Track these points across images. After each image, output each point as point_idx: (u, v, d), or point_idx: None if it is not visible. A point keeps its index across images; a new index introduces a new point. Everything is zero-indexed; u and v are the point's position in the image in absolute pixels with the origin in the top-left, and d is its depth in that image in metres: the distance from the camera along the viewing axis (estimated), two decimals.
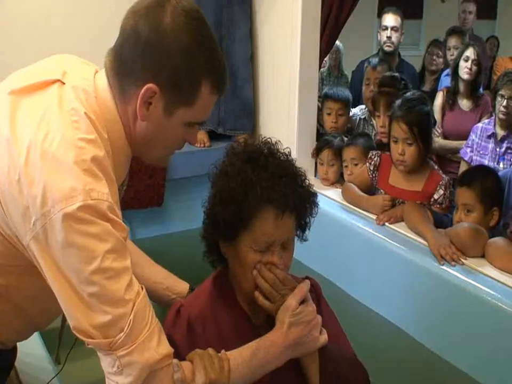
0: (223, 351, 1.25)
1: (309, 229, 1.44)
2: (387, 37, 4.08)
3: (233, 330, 1.35)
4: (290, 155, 1.40)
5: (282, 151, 1.40)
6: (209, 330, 1.34)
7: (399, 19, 4.13)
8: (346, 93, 3.36)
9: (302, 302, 1.34)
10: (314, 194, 1.39)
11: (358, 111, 3.46)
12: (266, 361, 1.27)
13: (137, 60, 1.15)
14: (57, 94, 1.18)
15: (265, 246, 1.31)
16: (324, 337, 1.34)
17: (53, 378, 1.57)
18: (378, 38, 4.23)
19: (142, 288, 1.17)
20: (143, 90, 1.15)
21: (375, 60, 3.55)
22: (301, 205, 1.34)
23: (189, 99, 1.19)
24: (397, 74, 3.07)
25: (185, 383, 1.17)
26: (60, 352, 1.57)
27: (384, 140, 2.77)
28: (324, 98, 3.37)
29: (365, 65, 3.65)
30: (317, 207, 1.40)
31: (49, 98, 1.17)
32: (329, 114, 3.29)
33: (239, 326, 1.36)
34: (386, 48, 4.09)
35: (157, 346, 1.15)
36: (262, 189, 1.28)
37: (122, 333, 1.10)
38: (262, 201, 1.28)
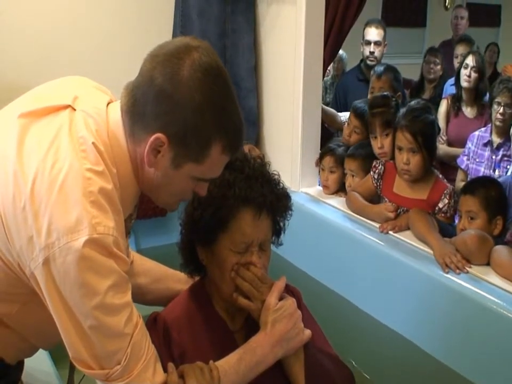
0: (211, 361, 1.26)
1: (283, 233, 1.46)
2: (370, 52, 4.05)
3: (208, 336, 1.37)
4: (264, 159, 1.43)
5: (256, 156, 1.43)
6: (184, 336, 1.36)
7: (382, 32, 4.07)
8: None
9: (281, 298, 1.36)
10: (289, 197, 1.42)
11: None
12: (254, 363, 1.27)
13: (149, 105, 1.13)
14: (67, 120, 1.16)
15: (244, 247, 1.33)
16: (308, 332, 1.36)
17: None
18: (361, 50, 4.16)
19: (140, 317, 1.18)
20: (152, 138, 1.13)
21: (380, 69, 3.51)
22: (277, 206, 1.37)
23: (198, 156, 1.16)
24: (387, 93, 3.05)
25: None
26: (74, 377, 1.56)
27: (385, 159, 2.76)
28: (352, 108, 3.25)
29: (371, 73, 3.64)
30: (291, 210, 1.43)
31: (59, 125, 1.15)
32: (348, 125, 3.21)
33: (214, 332, 1.38)
34: (369, 63, 4.05)
35: (153, 376, 1.17)
36: (239, 189, 1.31)
37: (119, 366, 1.12)
38: (240, 201, 1.31)
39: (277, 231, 1.45)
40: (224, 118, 1.16)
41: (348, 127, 3.20)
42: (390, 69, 3.55)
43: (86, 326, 1.10)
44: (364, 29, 4.14)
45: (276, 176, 1.40)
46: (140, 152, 1.17)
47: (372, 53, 4.05)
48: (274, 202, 1.36)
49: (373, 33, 4.07)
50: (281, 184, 1.41)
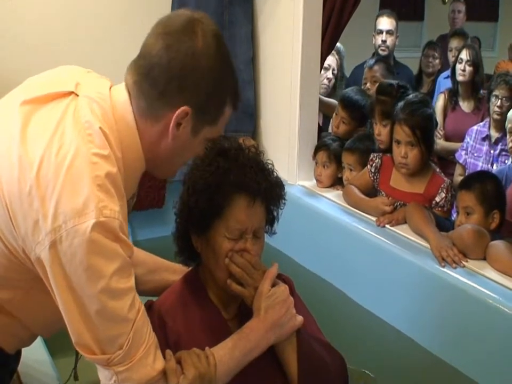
0: (207, 348, 1.28)
1: (277, 222, 1.47)
2: (382, 41, 4.07)
3: (202, 324, 1.37)
4: (258, 148, 1.45)
5: (251, 146, 1.45)
6: (179, 323, 1.37)
7: (394, 22, 4.11)
8: (359, 104, 3.17)
9: (273, 285, 1.37)
10: (283, 186, 1.44)
11: None
12: (248, 348, 1.29)
13: (173, 82, 1.16)
14: (72, 106, 1.17)
15: (238, 233, 1.35)
16: (300, 319, 1.37)
17: None
18: (373, 42, 4.20)
19: (142, 304, 1.19)
20: (177, 112, 1.16)
21: (371, 60, 3.55)
22: (271, 194, 1.39)
23: (214, 119, 1.23)
24: (394, 82, 3.05)
25: (173, 375, 1.20)
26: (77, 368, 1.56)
27: (381, 147, 2.76)
28: (340, 98, 3.25)
29: (364, 66, 3.65)
30: (285, 200, 1.45)
31: (63, 110, 1.16)
32: (336, 115, 3.21)
33: (208, 320, 1.39)
34: (381, 52, 4.07)
35: (153, 363, 1.18)
36: (234, 176, 1.33)
37: (121, 351, 1.13)
38: (234, 187, 1.33)
39: (271, 219, 1.46)
40: (233, 77, 1.25)
41: (336, 118, 3.20)
42: (382, 60, 3.56)
43: (90, 309, 1.10)
44: (376, 19, 4.18)
45: (270, 165, 1.42)
46: (157, 129, 1.20)
47: (384, 41, 4.06)
48: (268, 190, 1.37)
49: (385, 22, 4.09)
50: (275, 173, 1.43)
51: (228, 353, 1.27)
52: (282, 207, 1.45)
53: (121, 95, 1.20)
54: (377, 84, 3.16)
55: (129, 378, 1.15)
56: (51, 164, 1.09)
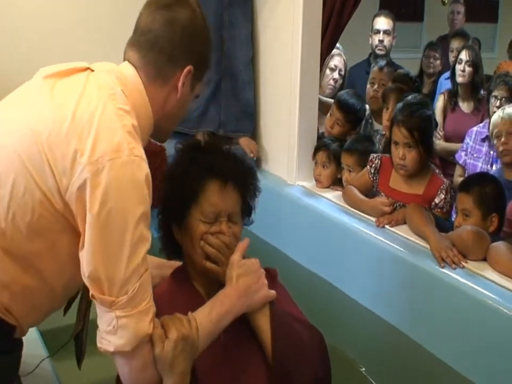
0: (189, 312, 1.35)
1: (254, 212, 1.56)
2: (379, 41, 4.06)
3: (186, 311, 1.41)
4: (229, 144, 1.58)
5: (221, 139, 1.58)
6: (167, 310, 1.40)
7: (391, 22, 4.10)
8: (355, 108, 3.18)
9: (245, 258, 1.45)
10: (255, 174, 1.55)
11: None
12: (224, 312, 1.37)
13: (177, 48, 1.36)
14: (91, 76, 1.33)
15: (213, 216, 1.43)
16: (273, 292, 1.44)
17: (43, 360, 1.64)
18: (370, 42, 4.17)
19: (149, 267, 1.29)
20: (185, 71, 1.37)
21: (382, 62, 3.50)
22: (243, 179, 1.49)
23: (203, 74, 1.45)
24: (411, 73, 3.07)
25: (160, 340, 1.28)
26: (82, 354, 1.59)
27: (388, 135, 2.78)
28: (335, 100, 3.26)
29: (372, 65, 3.62)
30: (259, 189, 1.54)
31: (85, 79, 1.32)
32: (330, 116, 3.23)
33: (192, 307, 1.42)
34: (378, 52, 4.06)
35: (150, 322, 1.26)
36: (204, 161, 1.44)
37: (126, 296, 1.22)
38: (205, 171, 1.43)
39: (247, 210, 1.53)
40: (210, 37, 1.47)
41: (330, 119, 3.21)
42: (393, 64, 3.53)
43: (113, 245, 1.20)
44: (373, 19, 4.16)
45: (241, 154, 1.54)
46: (165, 90, 1.39)
47: (381, 41, 4.04)
48: (240, 175, 1.47)
49: (382, 22, 4.08)
50: (247, 162, 1.56)
51: (207, 316, 1.35)
52: (257, 196, 1.54)
53: (128, 69, 1.37)
54: (385, 87, 3.19)
55: (127, 326, 1.22)
56: (84, 112, 1.24)
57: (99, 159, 1.19)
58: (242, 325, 1.42)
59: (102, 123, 1.23)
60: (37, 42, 3.21)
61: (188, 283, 1.50)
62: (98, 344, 1.26)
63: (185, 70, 1.37)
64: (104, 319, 1.24)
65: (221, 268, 1.43)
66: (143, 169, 1.24)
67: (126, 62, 1.38)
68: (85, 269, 1.22)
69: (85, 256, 1.22)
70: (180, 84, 1.38)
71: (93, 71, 1.35)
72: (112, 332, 1.23)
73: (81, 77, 1.33)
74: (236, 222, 1.47)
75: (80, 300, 1.51)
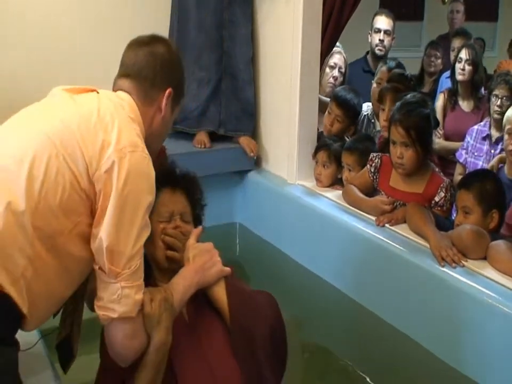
0: (164, 285, 1.58)
1: (203, 218, 1.83)
2: (380, 40, 4.00)
3: None
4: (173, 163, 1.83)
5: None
6: None
7: (391, 23, 4.05)
8: (353, 102, 3.21)
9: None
10: (198, 181, 1.82)
11: (365, 108, 3.41)
12: (188, 285, 1.60)
13: (158, 73, 1.62)
14: (101, 93, 1.57)
15: (168, 215, 1.70)
16: (228, 268, 1.67)
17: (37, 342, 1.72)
18: (369, 40, 4.11)
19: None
20: (166, 93, 1.63)
21: (392, 63, 3.42)
22: (190, 186, 1.77)
23: (180, 99, 1.71)
24: (407, 72, 3.06)
25: (149, 302, 1.49)
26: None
27: (386, 135, 2.77)
28: (333, 97, 3.26)
29: (380, 65, 3.58)
30: (203, 193, 1.81)
31: (96, 94, 1.56)
32: (329, 113, 3.22)
33: None
34: (377, 52, 4.01)
35: (144, 300, 1.47)
36: (159, 176, 1.57)
37: (129, 270, 1.41)
38: (160, 185, 1.59)
39: (197, 219, 1.80)
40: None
41: (329, 116, 3.20)
42: (401, 66, 3.49)
43: (127, 222, 1.40)
44: (373, 18, 4.11)
45: (185, 169, 1.79)
46: (152, 110, 1.62)
47: (381, 41, 3.99)
48: (186, 182, 1.76)
49: (383, 22, 4.02)
50: (191, 172, 1.81)
51: (176, 287, 1.58)
52: (202, 199, 1.81)
53: (124, 94, 1.60)
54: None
55: (129, 295, 1.42)
56: (105, 112, 1.48)
57: (123, 149, 1.41)
58: (204, 308, 1.65)
59: (121, 123, 1.47)
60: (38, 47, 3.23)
61: (151, 281, 1.65)
62: (100, 312, 1.43)
63: (167, 92, 1.63)
64: (110, 289, 1.42)
65: (180, 254, 1.66)
66: (151, 167, 1.47)
67: (120, 91, 1.61)
68: (105, 241, 1.39)
69: (105, 229, 1.39)
70: (163, 105, 1.63)
71: (98, 93, 1.58)
72: (117, 300, 1.41)
73: (93, 94, 1.57)
74: (187, 221, 1.73)
75: (64, 309, 1.62)
